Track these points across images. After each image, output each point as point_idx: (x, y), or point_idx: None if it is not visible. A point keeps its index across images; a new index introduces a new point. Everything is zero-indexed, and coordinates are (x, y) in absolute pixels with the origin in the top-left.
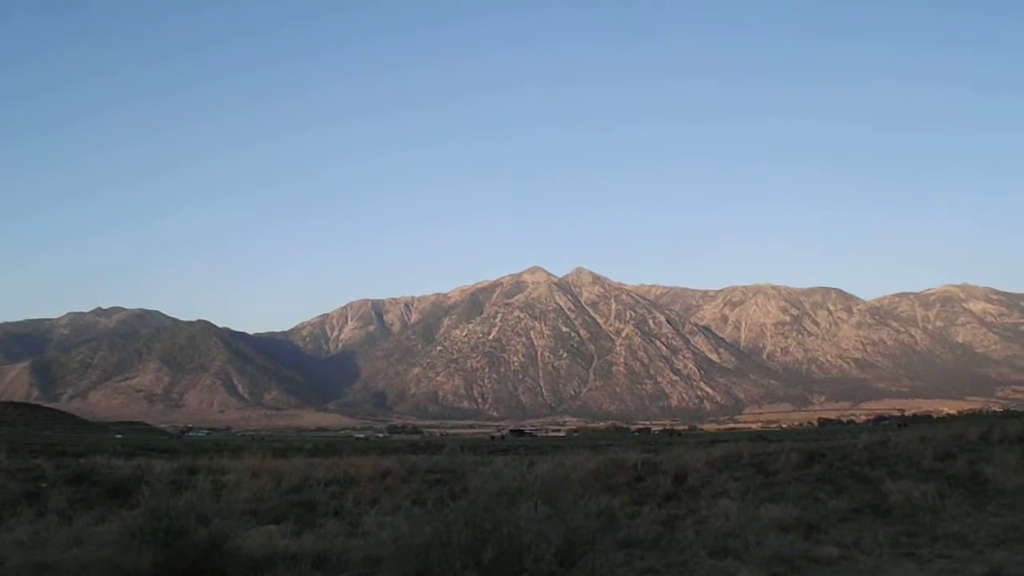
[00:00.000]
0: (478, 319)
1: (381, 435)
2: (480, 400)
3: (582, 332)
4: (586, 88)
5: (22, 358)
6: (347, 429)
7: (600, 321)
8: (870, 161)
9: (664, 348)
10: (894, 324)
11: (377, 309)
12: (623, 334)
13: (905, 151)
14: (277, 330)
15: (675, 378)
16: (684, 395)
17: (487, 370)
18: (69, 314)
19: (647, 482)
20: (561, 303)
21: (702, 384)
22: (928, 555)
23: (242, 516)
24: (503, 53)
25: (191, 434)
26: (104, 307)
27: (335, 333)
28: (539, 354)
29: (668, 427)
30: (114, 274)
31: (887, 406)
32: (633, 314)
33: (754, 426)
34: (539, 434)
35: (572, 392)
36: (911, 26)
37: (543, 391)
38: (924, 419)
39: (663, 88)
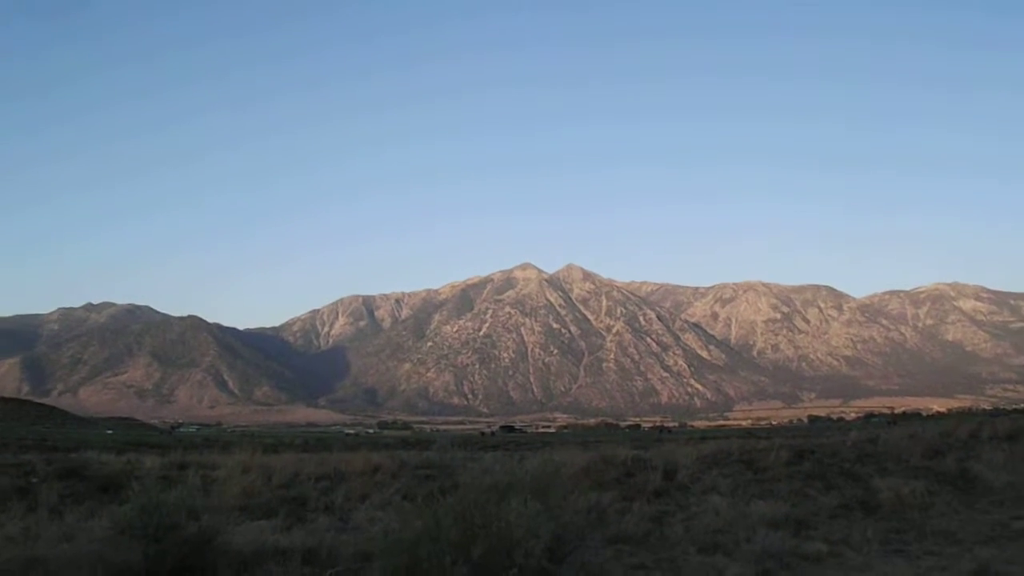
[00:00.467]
0: (469, 315)
1: (371, 431)
2: (470, 396)
3: (572, 329)
4: (577, 86)
5: (12, 353)
6: (337, 425)
7: (591, 318)
8: (861, 159)
9: (654, 345)
10: (884, 322)
11: (368, 305)
12: (613, 331)
13: (896, 149)
14: (268, 326)
15: (665, 375)
16: (674, 392)
17: (477, 366)
18: (59, 309)
19: (637, 478)
20: (552, 300)
21: (692, 381)
22: (917, 552)
23: (232, 511)
24: (495, 52)
25: (181, 430)
26: (94, 302)
27: (326, 329)
28: (529, 350)
29: (658, 424)
30: (104, 270)
31: (877, 404)
32: (624, 311)
33: (744, 423)
34: (529, 430)
35: (562, 388)
36: (901, 24)
37: (533, 387)
38: (914, 417)
39: (654, 86)
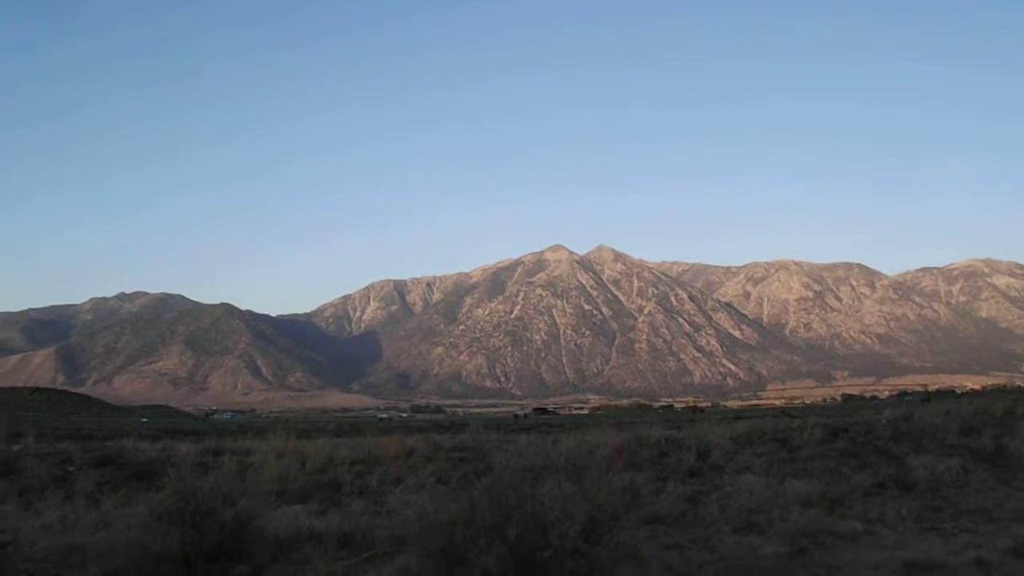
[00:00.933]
0: (500, 298)
1: (404, 415)
2: (503, 379)
3: (604, 310)
4: (606, 69)
5: (47, 344)
6: (370, 409)
7: (622, 298)
8: (893, 138)
9: (686, 325)
10: (917, 299)
11: (399, 289)
12: (645, 311)
13: (929, 128)
14: (300, 312)
15: (698, 355)
16: (707, 372)
17: (510, 349)
18: (92, 299)
19: (671, 458)
20: (583, 281)
21: (725, 361)
22: (952, 530)
23: (267, 497)
24: (521, 35)
25: (215, 416)
26: (127, 292)
27: (357, 314)
28: (561, 332)
29: (691, 404)
30: (137, 259)
31: (910, 382)
32: (655, 291)
33: (777, 402)
34: (562, 412)
35: (595, 370)
36: (934, 4)
37: (566, 369)
38: (948, 394)
39: (684, 68)
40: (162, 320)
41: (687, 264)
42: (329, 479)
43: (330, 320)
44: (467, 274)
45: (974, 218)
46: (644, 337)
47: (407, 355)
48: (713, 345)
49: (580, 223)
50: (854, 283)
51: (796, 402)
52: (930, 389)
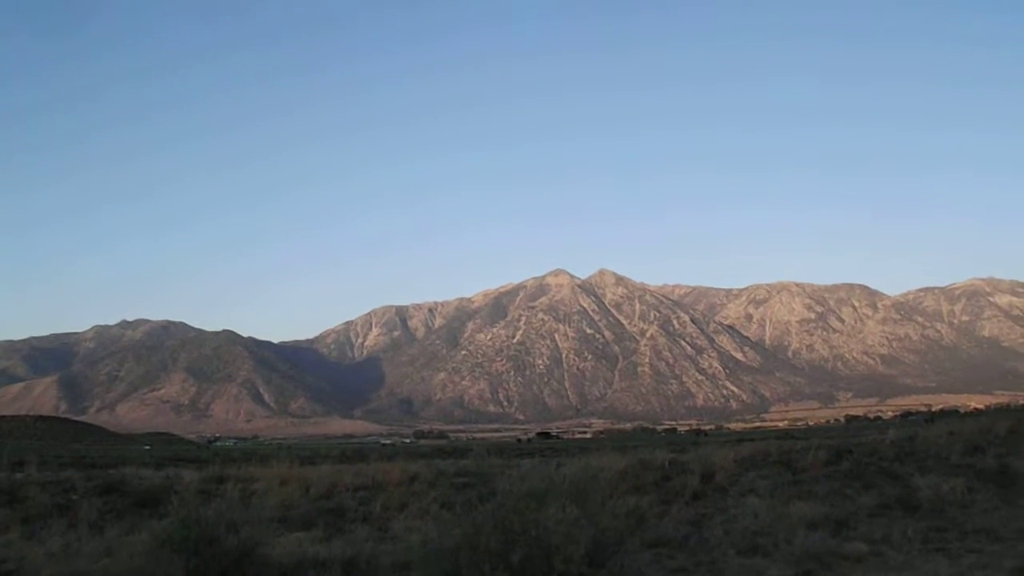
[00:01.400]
0: (502, 323)
1: (408, 440)
2: (506, 403)
3: (606, 333)
4: (607, 93)
5: (49, 372)
6: (373, 435)
7: (624, 322)
8: (892, 158)
9: (689, 348)
10: (919, 319)
11: (401, 315)
12: (647, 334)
13: (929, 147)
14: (302, 338)
15: (700, 377)
16: (710, 394)
17: (512, 373)
18: (95, 327)
19: (675, 481)
20: (585, 305)
21: (728, 383)
22: (958, 550)
23: (271, 523)
24: (523, 59)
25: (218, 443)
26: (129, 319)
27: (360, 340)
28: (564, 356)
29: (694, 427)
30: (139, 286)
31: (914, 402)
32: (657, 314)
33: (781, 424)
34: (565, 436)
35: (598, 394)
36: (928, 24)
37: (568, 393)
38: (951, 414)
39: (684, 91)
40: (164, 348)
41: (689, 287)
42: (333, 505)
43: (332, 346)
44: (469, 299)
45: (975, 237)
46: (647, 360)
47: (410, 380)
48: (716, 368)
49: (581, 247)
50: (856, 304)
51: (799, 424)
52: (933, 409)
